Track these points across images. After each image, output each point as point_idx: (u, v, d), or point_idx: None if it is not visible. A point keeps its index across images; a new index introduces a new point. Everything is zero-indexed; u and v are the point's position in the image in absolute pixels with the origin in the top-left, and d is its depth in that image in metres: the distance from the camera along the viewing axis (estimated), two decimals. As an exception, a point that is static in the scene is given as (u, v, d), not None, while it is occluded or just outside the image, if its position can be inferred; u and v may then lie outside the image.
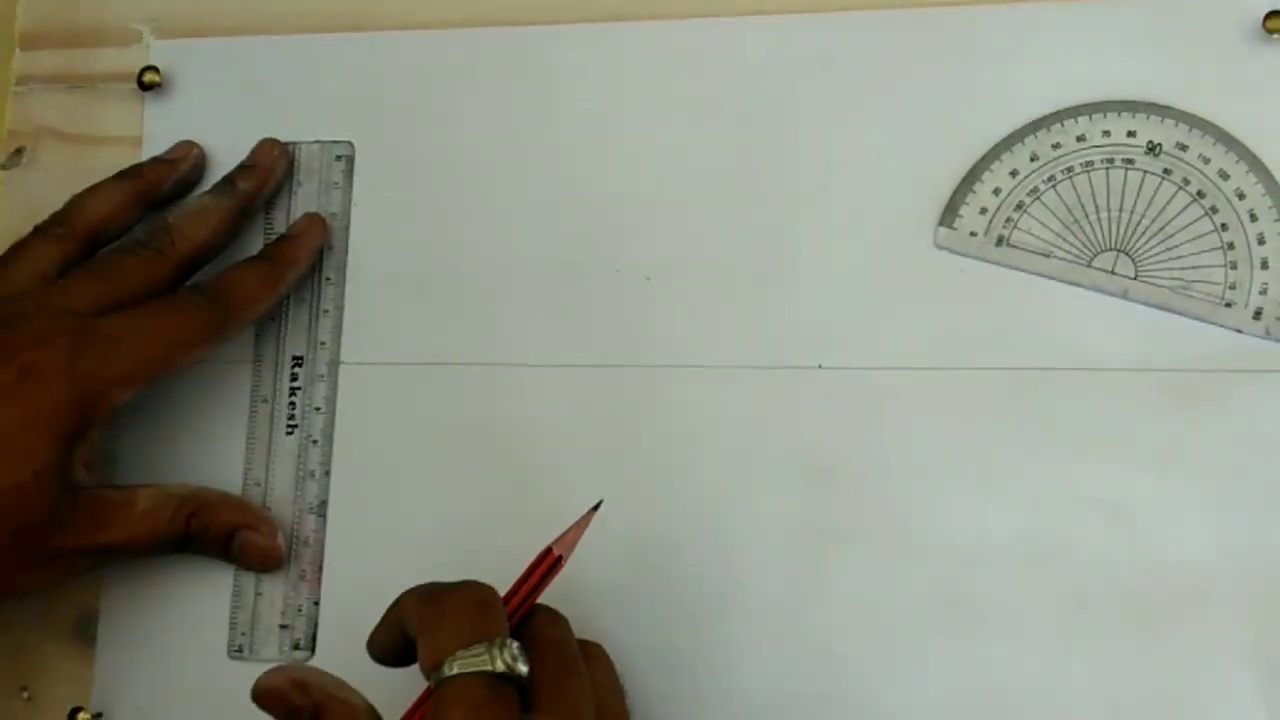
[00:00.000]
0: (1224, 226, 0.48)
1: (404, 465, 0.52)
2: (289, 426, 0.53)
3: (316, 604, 0.51)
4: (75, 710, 0.52)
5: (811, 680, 0.48)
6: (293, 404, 0.53)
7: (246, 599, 0.52)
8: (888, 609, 0.48)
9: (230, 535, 0.51)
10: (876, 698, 0.47)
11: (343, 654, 0.51)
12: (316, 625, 0.51)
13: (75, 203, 0.53)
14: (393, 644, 0.45)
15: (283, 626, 0.51)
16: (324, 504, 0.52)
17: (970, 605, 0.47)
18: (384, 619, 0.45)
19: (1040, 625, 0.47)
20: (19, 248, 0.51)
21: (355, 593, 0.51)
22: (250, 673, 0.50)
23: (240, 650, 0.52)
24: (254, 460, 0.53)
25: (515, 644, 0.41)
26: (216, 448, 0.53)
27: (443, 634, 0.42)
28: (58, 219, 0.52)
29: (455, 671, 0.41)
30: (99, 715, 0.52)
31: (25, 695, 0.53)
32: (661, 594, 0.49)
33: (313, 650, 0.51)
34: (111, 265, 0.51)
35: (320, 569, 0.52)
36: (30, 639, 0.53)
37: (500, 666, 0.41)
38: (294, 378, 0.53)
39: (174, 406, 0.53)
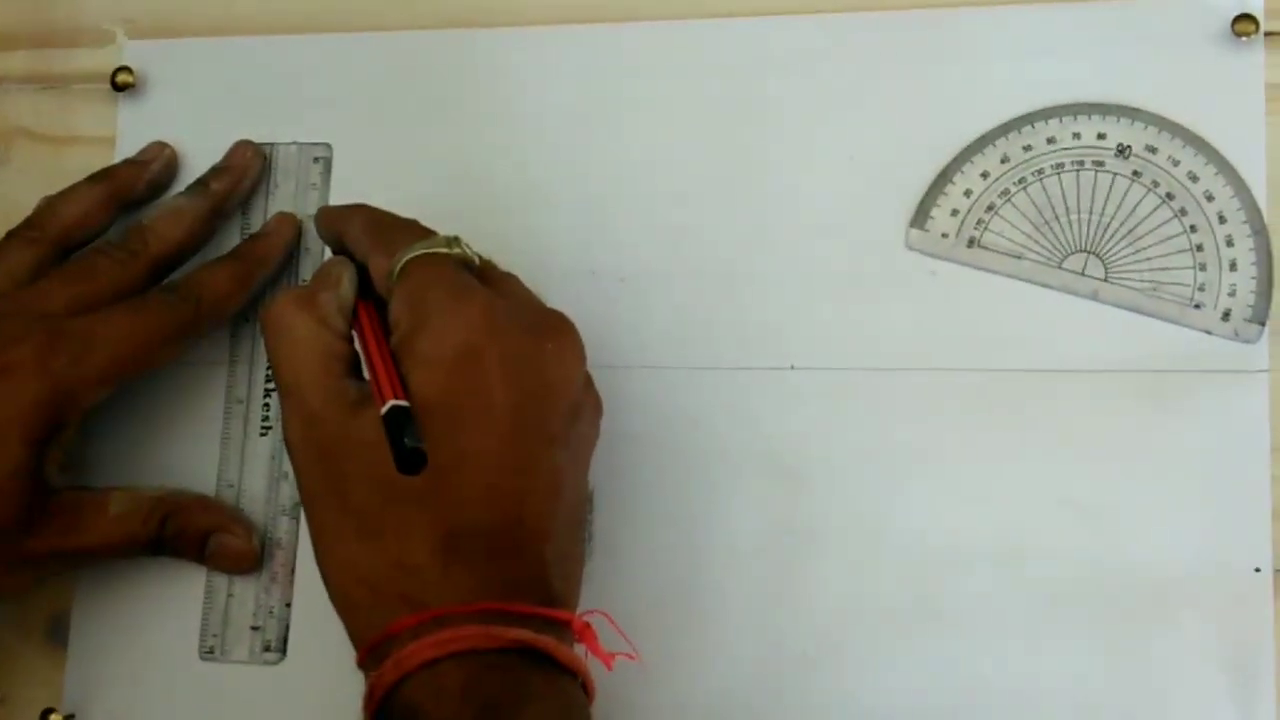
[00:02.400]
0: (1193, 228, 0.48)
1: (377, 466, 0.52)
2: (263, 428, 0.53)
3: (288, 606, 0.51)
4: (47, 711, 0.51)
5: (781, 680, 0.48)
6: (267, 405, 0.53)
7: (218, 600, 0.52)
8: (859, 609, 0.48)
9: (205, 538, 0.51)
10: (847, 697, 0.48)
11: (314, 656, 0.51)
12: (288, 627, 0.51)
13: (47, 206, 0.53)
14: (328, 239, 0.49)
15: (254, 628, 0.51)
16: (297, 506, 0.52)
17: (941, 605, 0.48)
18: (326, 219, 0.49)
19: (1011, 624, 0.47)
20: (-10, 253, 0.51)
21: (326, 595, 0.51)
22: (221, 673, 0.51)
23: (211, 651, 0.52)
24: (228, 462, 0.53)
25: (466, 242, 0.45)
26: (190, 449, 0.53)
27: (396, 240, 0.45)
28: (30, 223, 0.52)
29: (417, 253, 0.44)
30: (70, 716, 0.52)
31: (-4, 697, 0.53)
32: (630, 594, 0.49)
33: (284, 652, 0.51)
34: (85, 267, 0.51)
35: (292, 571, 0.51)
36: (1, 641, 0.53)
37: (457, 251, 0.44)
38: (269, 379, 0.53)
39: (148, 408, 0.53)
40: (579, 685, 0.41)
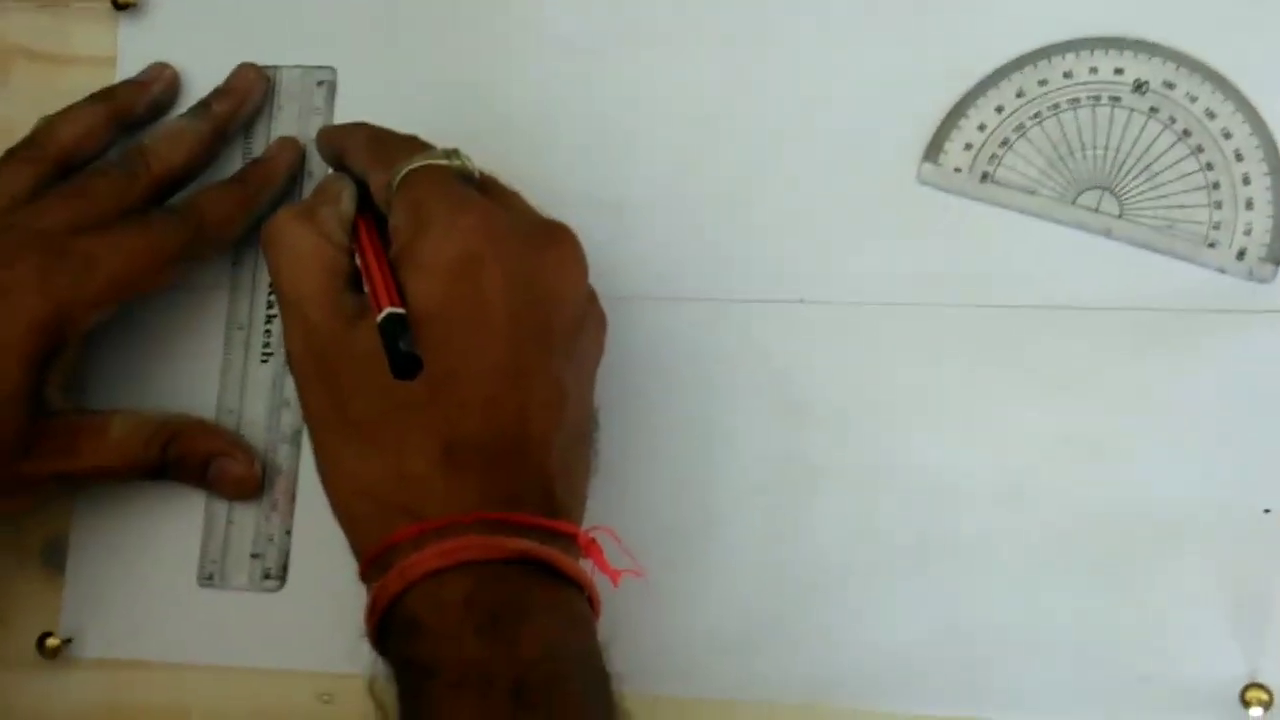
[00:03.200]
0: (1209, 166, 0.48)
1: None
2: (264, 355, 0.52)
3: (288, 533, 0.51)
4: (44, 635, 0.51)
5: (785, 614, 0.48)
6: (268, 331, 0.52)
7: (218, 527, 0.51)
8: (863, 545, 0.48)
9: (206, 463, 0.50)
10: (849, 633, 0.47)
11: (314, 584, 0.50)
12: (288, 555, 0.51)
13: (46, 126, 0.52)
14: (329, 156, 0.49)
15: (254, 555, 0.51)
16: (298, 433, 0.51)
17: (945, 542, 0.47)
18: (326, 137, 0.49)
19: (1015, 563, 0.47)
20: (-10, 173, 0.50)
21: (327, 522, 0.49)
22: (220, 600, 0.51)
23: (210, 578, 0.51)
24: (228, 388, 0.52)
25: (465, 154, 0.45)
26: (190, 374, 0.52)
27: (395, 154, 0.45)
28: (29, 143, 0.51)
29: (416, 165, 0.44)
30: (68, 640, 0.51)
31: (-7, 620, 0.52)
32: (635, 525, 0.48)
33: (283, 580, 0.51)
34: (84, 186, 0.50)
35: (293, 498, 0.51)
36: (-2, 564, 0.53)
37: (456, 163, 0.44)
38: (270, 305, 0.52)
39: (148, 332, 0.53)
40: (584, 598, 0.41)
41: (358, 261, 0.44)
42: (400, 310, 0.41)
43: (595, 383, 0.45)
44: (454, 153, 0.45)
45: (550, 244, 0.43)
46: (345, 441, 0.41)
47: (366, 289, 0.43)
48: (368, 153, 0.46)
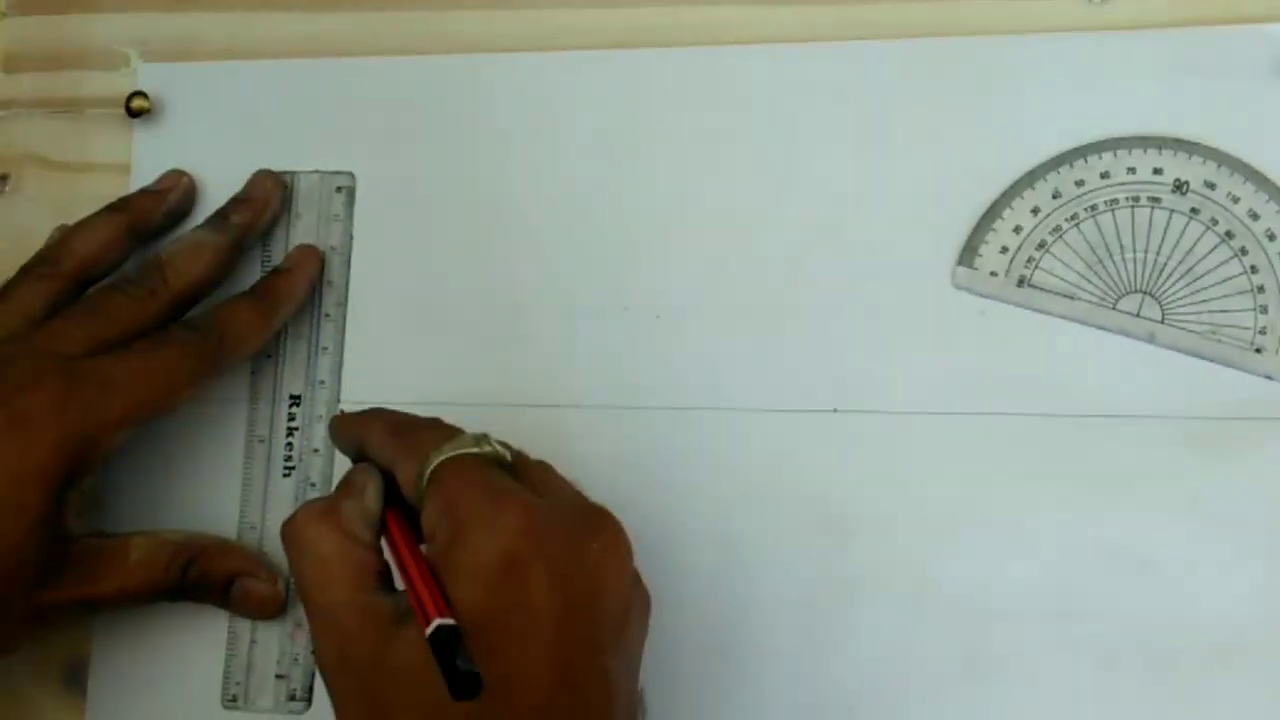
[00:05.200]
0: (1254, 269, 0.46)
1: (405, 510, 0.50)
2: (286, 468, 0.51)
3: (314, 653, 0.50)
4: (66, 763, 0.50)
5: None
6: (290, 444, 0.51)
7: (241, 647, 0.50)
8: (905, 662, 0.47)
9: (228, 583, 0.49)
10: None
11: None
12: (314, 675, 0.50)
13: (62, 241, 0.51)
14: (347, 448, 0.46)
15: (279, 676, 0.50)
16: (322, 548, 0.50)
17: (991, 659, 0.46)
18: (343, 428, 0.46)
19: (1063, 681, 0.46)
20: (5, 290, 0.49)
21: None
22: (246, 724, 0.50)
23: (235, 700, 0.50)
24: (249, 503, 0.51)
25: (494, 438, 0.42)
26: (210, 489, 0.51)
27: (422, 443, 0.42)
28: (44, 258, 0.50)
29: (447, 455, 0.41)
30: (90, 768, 0.50)
31: (13, 747, 0.51)
32: (672, 644, 0.47)
33: (309, 701, 0.50)
34: (102, 305, 0.49)
35: (318, 617, 0.50)
36: (18, 687, 0.51)
37: (488, 450, 0.42)
38: (291, 418, 0.51)
39: (167, 446, 0.52)
40: None
41: (389, 557, 0.42)
42: (450, 622, 0.38)
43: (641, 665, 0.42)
44: (483, 438, 0.42)
45: (593, 534, 0.41)
46: None
47: (404, 589, 0.40)
48: (391, 443, 0.43)
